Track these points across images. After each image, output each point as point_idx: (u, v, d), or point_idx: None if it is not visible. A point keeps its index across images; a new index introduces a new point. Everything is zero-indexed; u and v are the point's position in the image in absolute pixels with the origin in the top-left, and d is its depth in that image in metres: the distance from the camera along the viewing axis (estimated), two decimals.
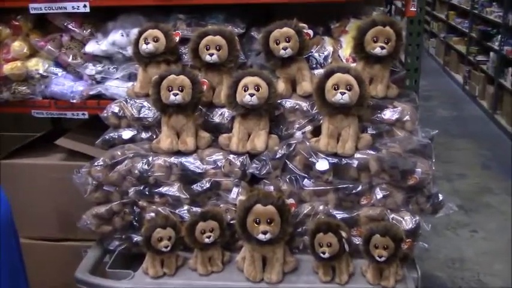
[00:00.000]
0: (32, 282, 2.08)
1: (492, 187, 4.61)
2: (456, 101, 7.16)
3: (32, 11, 2.23)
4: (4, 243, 1.29)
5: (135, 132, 2.05)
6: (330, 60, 2.09)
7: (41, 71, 2.34)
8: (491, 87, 6.38)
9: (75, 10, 2.20)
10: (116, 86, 2.25)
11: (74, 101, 2.30)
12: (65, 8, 2.20)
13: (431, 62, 9.40)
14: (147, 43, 2.02)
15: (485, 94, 6.67)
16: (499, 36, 6.15)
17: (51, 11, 2.22)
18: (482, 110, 6.61)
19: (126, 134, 2.04)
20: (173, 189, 1.87)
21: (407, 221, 1.77)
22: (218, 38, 1.94)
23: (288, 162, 1.83)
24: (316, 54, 2.10)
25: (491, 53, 6.47)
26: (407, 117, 1.90)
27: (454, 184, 4.61)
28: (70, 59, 2.32)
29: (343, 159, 1.80)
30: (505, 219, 4.07)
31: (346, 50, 2.08)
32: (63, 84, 2.33)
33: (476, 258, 3.56)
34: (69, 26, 2.30)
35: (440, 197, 1.81)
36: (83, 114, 2.35)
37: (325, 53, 2.11)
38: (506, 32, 5.97)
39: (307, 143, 1.84)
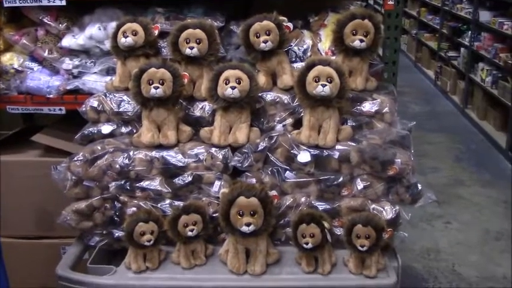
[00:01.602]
0: (11, 280, 2.05)
1: (464, 179, 4.70)
2: (428, 97, 7.28)
3: (5, 4, 2.19)
4: None
5: (115, 126, 2.03)
6: (309, 54, 2.11)
7: (15, 66, 2.30)
8: (462, 82, 6.51)
9: (51, 3, 2.17)
10: (94, 81, 2.23)
11: (51, 96, 2.28)
12: (40, 1, 2.17)
13: (403, 58, 9.53)
14: (125, 36, 2.00)
15: (457, 89, 6.80)
16: (469, 32, 6.28)
17: (26, 4, 2.18)
18: (454, 105, 6.74)
19: (106, 128, 2.02)
20: (155, 184, 1.87)
21: (387, 211, 1.80)
22: (198, 31, 1.94)
23: (270, 155, 1.85)
24: (295, 48, 2.12)
25: (462, 49, 6.61)
26: (386, 109, 1.93)
27: (427, 177, 4.69)
28: (46, 54, 2.29)
29: (324, 151, 1.82)
30: (478, 210, 4.17)
31: (325, 44, 2.10)
32: (39, 79, 2.30)
33: (451, 249, 3.63)
34: (45, 20, 2.27)
35: (419, 187, 1.85)
36: (60, 109, 2.32)
37: (305, 47, 2.12)
38: (476, 28, 6.09)
39: (289, 136, 1.86)
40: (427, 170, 4.85)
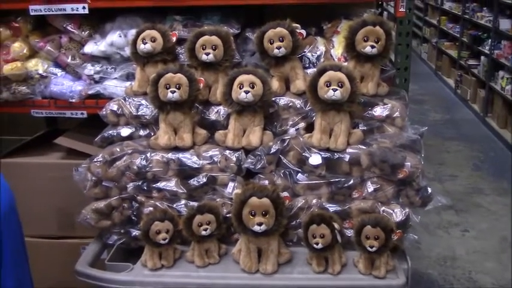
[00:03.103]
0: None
1: (483, 188, 4.67)
2: (448, 105, 7.25)
3: (31, 13, 2.29)
4: (9, 228, 1.34)
5: (133, 129, 2.10)
6: (322, 60, 2.16)
7: (40, 71, 2.39)
8: (482, 90, 6.47)
9: (74, 11, 2.25)
10: (114, 86, 2.31)
11: (73, 100, 2.36)
12: (64, 10, 2.26)
13: (424, 66, 9.50)
14: (144, 43, 2.07)
15: (477, 98, 6.76)
16: (490, 40, 6.25)
17: (51, 13, 2.28)
18: (474, 113, 6.69)
19: (125, 131, 2.09)
20: (171, 184, 1.93)
21: (397, 213, 1.83)
22: (214, 38, 2.00)
23: (282, 157, 1.89)
24: (309, 54, 2.17)
25: (482, 57, 6.57)
26: (397, 114, 1.96)
27: (445, 185, 4.68)
28: (69, 60, 2.38)
29: (335, 154, 1.86)
30: (496, 218, 4.14)
31: (338, 50, 2.15)
32: (62, 84, 2.39)
33: (468, 257, 3.62)
34: (68, 27, 2.36)
35: (429, 190, 1.87)
36: (82, 113, 2.40)
37: (318, 53, 2.18)
38: (496, 36, 6.07)
39: (301, 139, 1.90)
40: (445, 178, 4.84)
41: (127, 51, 2.27)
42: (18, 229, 1.43)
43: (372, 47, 1.92)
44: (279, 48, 1.96)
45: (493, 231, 3.94)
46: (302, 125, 2.00)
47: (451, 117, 6.75)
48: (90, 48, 2.34)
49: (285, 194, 1.83)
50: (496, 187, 4.68)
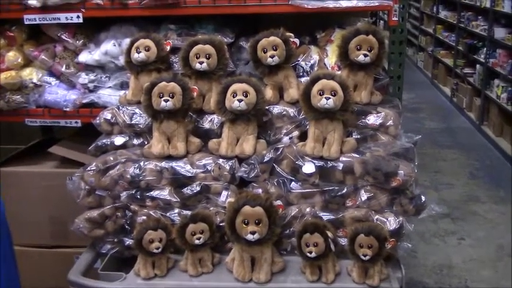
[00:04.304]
0: None
1: (479, 196, 4.68)
2: (444, 113, 7.27)
3: (26, 22, 2.29)
4: (3, 233, 1.35)
5: (127, 138, 2.10)
6: (316, 69, 2.17)
7: (34, 80, 2.40)
8: (478, 99, 6.49)
9: (69, 21, 2.26)
10: (108, 95, 2.31)
11: (67, 109, 2.36)
12: (59, 19, 2.26)
13: (420, 75, 9.53)
14: (138, 52, 2.08)
15: (472, 106, 6.78)
16: (485, 49, 6.28)
17: (45, 22, 2.28)
18: (470, 122, 6.71)
19: (118, 140, 2.09)
20: (164, 193, 1.92)
21: (391, 222, 1.82)
22: (208, 46, 2.01)
23: (276, 166, 1.89)
24: (302, 63, 2.18)
25: (478, 66, 6.60)
26: (390, 122, 1.96)
27: (441, 193, 4.68)
28: (63, 69, 2.38)
29: (328, 162, 1.86)
30: (492, 227, 4.14)
31: (331, 59, 2.16)
32: (57, 93, 2.39)
33: (464, 265, 3.62)
34: (63, 37, 2.36)
35: (423, 198, 1.87)
36: (76, 122, 2.40)
37: (312, 62, 2.18)
38: (492, 45, 6.10)
39: (294, 147, 1.90)
40: (442, 186, 4.84)
41: (121, 60, 2.28)
42: (7, 233, 1.45)
43: (365, 55, 1.93)
44: (272, 57, 1.97)
45: (490, 240, 3.94)
46: (296, 133, 2.00)
47: (447, 125, 6.77)
48: (84, 57, 2.34)
49: (279, 202, 1.82)
50: (492, 195, 4.68)
